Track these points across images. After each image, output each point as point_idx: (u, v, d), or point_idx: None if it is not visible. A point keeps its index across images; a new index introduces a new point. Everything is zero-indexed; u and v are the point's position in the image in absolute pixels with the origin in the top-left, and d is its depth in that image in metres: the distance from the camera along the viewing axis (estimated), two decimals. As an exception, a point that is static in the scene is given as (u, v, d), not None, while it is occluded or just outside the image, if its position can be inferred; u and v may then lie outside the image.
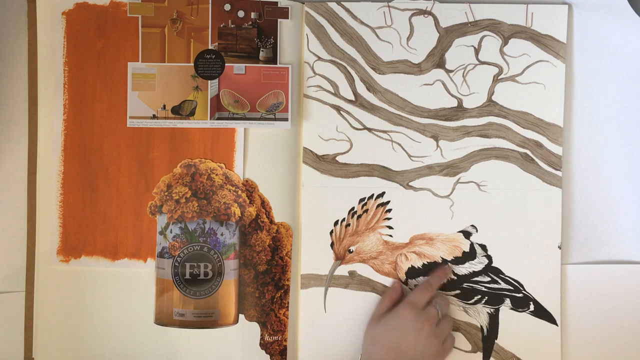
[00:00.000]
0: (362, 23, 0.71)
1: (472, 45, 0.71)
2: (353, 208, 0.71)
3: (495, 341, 0.71)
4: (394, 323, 0.66)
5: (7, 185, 0.71)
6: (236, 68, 0.70)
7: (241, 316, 0.71)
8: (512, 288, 0.71)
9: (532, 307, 0.71)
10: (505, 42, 0.71)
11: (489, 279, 0.71)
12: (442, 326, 0.67)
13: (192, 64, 0.70)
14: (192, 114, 0.70)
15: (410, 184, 0.72)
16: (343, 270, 0.71)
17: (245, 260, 0.71)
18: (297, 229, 0.72)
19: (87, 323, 0.70)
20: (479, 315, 0.71)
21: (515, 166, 0.71)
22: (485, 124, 0.71)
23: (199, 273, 0.69)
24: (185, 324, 0.69)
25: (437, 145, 0.72)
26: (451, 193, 0.72)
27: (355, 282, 0.71)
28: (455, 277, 0.71)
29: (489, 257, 0.71)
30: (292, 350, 0.71)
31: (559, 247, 0.71)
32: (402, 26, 0.71)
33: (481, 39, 0.71)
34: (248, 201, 0.70)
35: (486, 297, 0.71)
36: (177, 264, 0.69)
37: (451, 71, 0.71)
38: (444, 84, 0.71)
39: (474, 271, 0.71)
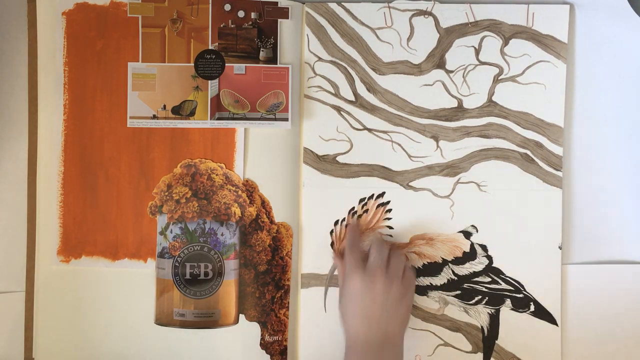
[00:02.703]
0: (363, 24, 0.71)
1: (473, 46, 0.71)
2: (353, 208, 0.71)
3: (496, 342, 0.71)
4: (349, 296, 0.65)
5: (7, 185, 0.71)
6: (236, 68, 0.70)
7: (241, 316, 0.71)
8: (512, 288, 0.71)
9: (532, 308, 0.71)
10: (505, 42, 0.71)
11: (489, 279, 0.71)
12: (391, 268, 0.66)
13: (192, 64, 0.70)
14: (192, 114, 0.70)
15: (410, 184, 0.72)
16: (343, 270, 0.71)
17: (246, 260, 0.71)
18: (297, 229, 0.72)
19: (88, 323, 0.70)
20: (479, 315, 0.71)
21: (516, 166, 0.71)
22: (486, 124, 0.71)
23: (199, 273, 0.69)
24: (185, 324, 0.69)
25: (437, 146, 0.72)
26: (451, 193, 0.72)
27: (356, 282, 0.71)
28: (456, 277, 0.71)
29: (489, 258, 0.71)
30: (292, 350, 0.71)
31: (560, 248, 0.71)
32: (402, 27, 0.71)
33: (482, 39, 0.71)
34: (248, 201, 0.70)
35: (487, 298, 0.71)
36: (177, 264, 0.69)
37: (451, 72, 0.71)
38: (444, 85, 0.71)
39: (474, 271, 0.71)
